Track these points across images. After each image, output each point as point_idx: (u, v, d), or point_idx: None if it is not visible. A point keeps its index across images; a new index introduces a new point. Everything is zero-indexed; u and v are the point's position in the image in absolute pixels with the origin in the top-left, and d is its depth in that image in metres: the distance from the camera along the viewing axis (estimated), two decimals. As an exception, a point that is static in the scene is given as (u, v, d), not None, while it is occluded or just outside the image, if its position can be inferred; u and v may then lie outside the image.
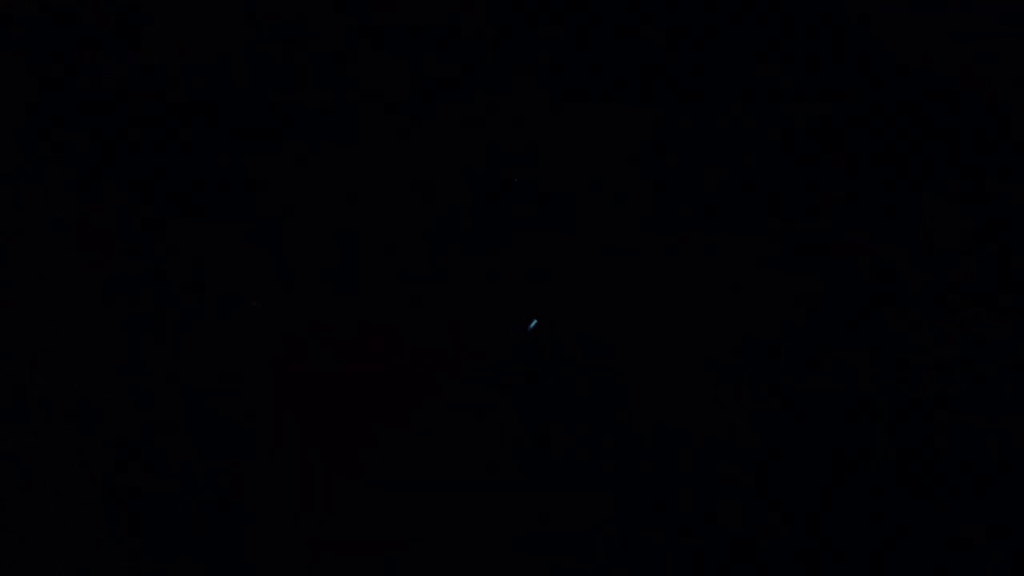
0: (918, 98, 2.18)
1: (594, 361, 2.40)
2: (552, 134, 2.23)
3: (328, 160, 2.34)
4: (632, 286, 2.19)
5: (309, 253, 2.48)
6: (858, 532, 1.69)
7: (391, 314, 2.49)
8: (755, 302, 2.24)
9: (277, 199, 2.42)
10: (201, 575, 1.48)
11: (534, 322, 2.36)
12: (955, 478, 1.86)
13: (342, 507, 1.77)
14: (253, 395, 2.72)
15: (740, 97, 2.21)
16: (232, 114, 2.34)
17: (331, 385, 3.11)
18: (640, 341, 2.18)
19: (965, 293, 2.11)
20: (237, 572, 1.49)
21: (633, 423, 2.41)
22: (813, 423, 2.22)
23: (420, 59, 2.28)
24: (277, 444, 2.20)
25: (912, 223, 2.13)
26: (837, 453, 2.03)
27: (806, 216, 2.16)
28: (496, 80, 2.23)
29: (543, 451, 2.27)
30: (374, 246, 2.39)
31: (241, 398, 2.68)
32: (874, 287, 2.12)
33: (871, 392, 2.38)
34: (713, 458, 2.03)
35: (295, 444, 2.21)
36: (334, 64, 2.34)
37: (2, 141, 2.34)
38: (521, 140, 2.18)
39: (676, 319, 2.34)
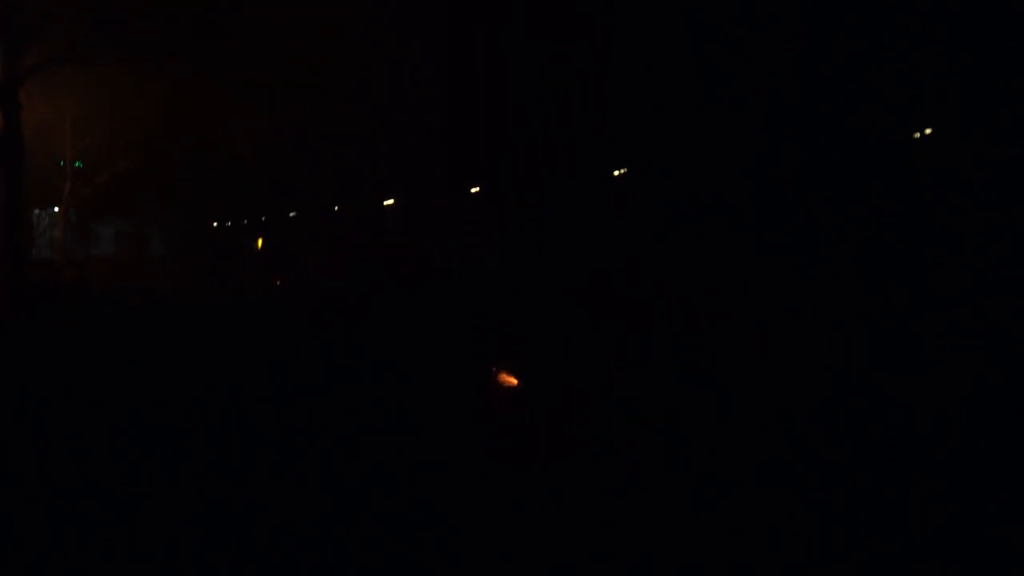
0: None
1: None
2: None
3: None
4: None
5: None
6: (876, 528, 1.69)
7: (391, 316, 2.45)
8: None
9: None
10: (201, 574, 1.47)
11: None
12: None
13: (342, 505, 1.77)
14: (253, 393, 2.72)
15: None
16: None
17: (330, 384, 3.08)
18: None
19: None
20: (237, 571, 1.48)
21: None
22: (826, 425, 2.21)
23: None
24: (277, 444, 2.20)
25: None
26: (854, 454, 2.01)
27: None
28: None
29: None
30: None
31: (241, 397, 2.67)
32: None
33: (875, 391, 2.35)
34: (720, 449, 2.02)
35: (294, 443, 2.20)
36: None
37: None
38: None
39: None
